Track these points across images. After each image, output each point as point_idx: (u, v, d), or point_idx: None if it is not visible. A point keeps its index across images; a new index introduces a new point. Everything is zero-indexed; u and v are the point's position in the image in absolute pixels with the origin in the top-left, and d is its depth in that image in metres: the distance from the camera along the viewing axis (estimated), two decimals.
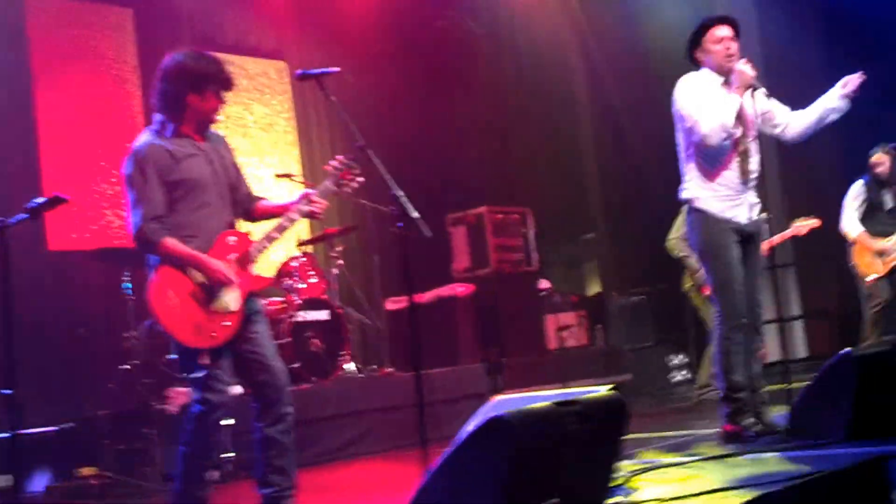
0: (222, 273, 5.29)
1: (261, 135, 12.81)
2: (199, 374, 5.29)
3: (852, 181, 10.57)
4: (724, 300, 6.75)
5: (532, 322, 12.28)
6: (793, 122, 6.95)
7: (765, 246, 7.08)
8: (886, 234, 10.19)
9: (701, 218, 6.78)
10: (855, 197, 10.34)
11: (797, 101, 7.01)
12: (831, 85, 6.91)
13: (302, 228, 12.24)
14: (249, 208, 5.74)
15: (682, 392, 11.90)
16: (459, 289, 11.62)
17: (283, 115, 13.12)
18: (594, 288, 16.04)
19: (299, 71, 5.75)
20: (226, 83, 5.47)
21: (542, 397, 4.66)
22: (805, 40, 13.54)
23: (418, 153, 13.68)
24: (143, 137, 5.43)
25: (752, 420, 6.68)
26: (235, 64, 12.48)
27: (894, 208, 10.32)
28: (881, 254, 10.15)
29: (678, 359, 13.22)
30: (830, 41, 13.44)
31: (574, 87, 15.53)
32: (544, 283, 12.73)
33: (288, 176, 10.59)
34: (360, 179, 5.76)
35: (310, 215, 5.63)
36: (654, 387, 12.74)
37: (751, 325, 6.82)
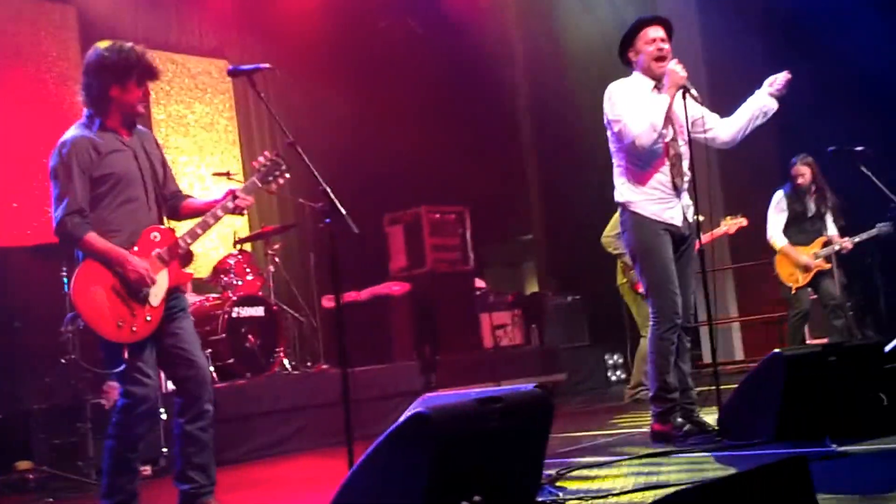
0: (140, 274, 5.30)
1: (202, 133, 12.85)
2: (122, 368, 5.32)
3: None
4: (659, 301, 6.72)
5: (467, 321, 12.37)
6: (722, 128, 6.97)
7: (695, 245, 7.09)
8: (809, 242, 10.40)
9: (634, 220, 6.77)
10: (777, 207, 10.49)
11: (739, 98, 6.98)
12: (772, 69, 6.93)
13: (241, 226, 12.32)
14: (177, 206, 5.75)
15: (616, 391, 12.04)
16: (395, 287, 11.72)
17: (225, 114, 13.16)
18: (532, 288, 16.21)
19: (231, 67, 5.75)
20: (147, 72, 5.46)
21: (468, 395, 4.70)
22: (746, 39, 13.68)
23: (358, 152, 13.80)
24: (71, 131, 5.44)
25: (681, 420, 6.72)
26: (177, 62, 12.60)
27: (816, 215, 10.50)
28: (804, 266, 10.35)
29: (614, 359, 13.43)
30: (771, 40, 13.61)
31: (515, 88, 15.67)
32: (480, 283, 12.86)
33: (226, 175, 10.66)
34: (287, 176, 5.80)
35: (235, 211, 5.66)
36: (589, 386, 12.94)
37: (681, 326, 6.82)
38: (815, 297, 10.57)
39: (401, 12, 14.74)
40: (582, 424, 8.59)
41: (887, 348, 6.21)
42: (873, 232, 10.49)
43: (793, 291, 10.49)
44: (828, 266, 10.46)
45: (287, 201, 12.28)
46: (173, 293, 5.51)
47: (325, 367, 10.30)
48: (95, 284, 5.27)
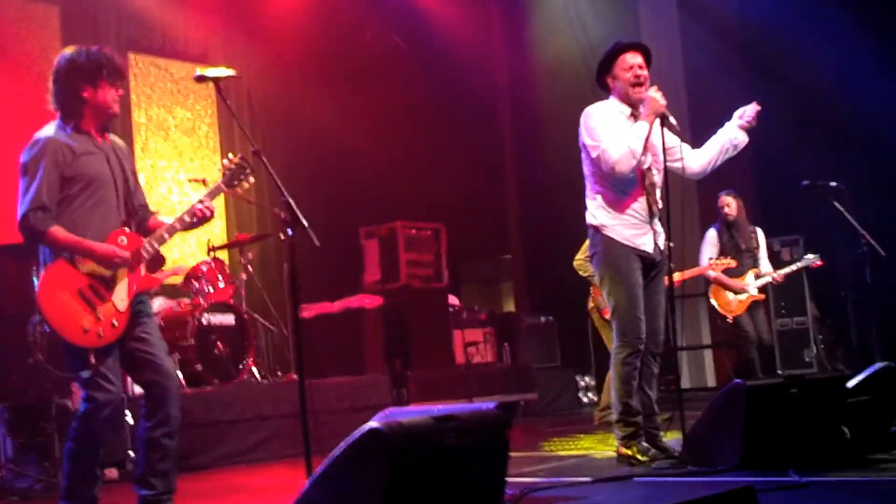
0: (111, 252, 5.32)
1: (182, 138, 12.85)
2: (86, 373, 5.31)
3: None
4: (623, 325, 6.75)
5: (440, 337, 12.39)
6: (693, 158, 6.98)
7: (676, 278, 7.09)
8: (741, 274, 10.52)
9: (605, 242, 6.78)
10: (709, 242, 10.62)
11: (720, 125, 7.01)
12: (750, 100, 6.95)
13: (218, 234, 12.33)
14: (144, 219, 5.73)
15: (586, 413, 12.07)
16: (368, 300, 11.75)
17: (206, 120, 13.17)
18: (509, 307, 16.25)
19: (197, 72, 5.71)
20: (117, 71, 5.51)
21: (429, 411, 4.70)
22: (727, 67, 13.82)
23: (338, 162, 13.89)
24: (47, 129, 5.46)
25: (645, 444, 6.72)
26: (161, 66, 12.61)
27: (747, 249, 10.59)
28: (737, 293, 10.46)
29: (585, 380, 13.47)
30: (751, 69, 13.74)
31: (497, 107, 15.69)
32: (454, 300, 12.89)
33: (202, 181, 10.63)
34: (251, 180, 5.81)
35: (201, 216, 5.64)
36: (559, 406, 12.96)
37: (650, 351, 6.84)
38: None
39: (386, 26, 14.78)
40: (549, 444, 8.61)
41: (849, 384, 6.23)
42: (801, 264, 10.76)
43: (729, 320, 10.59)
44: (760, 297, 10.61)
45: (265, 211, 12.29)
46: (139, 297, 5.50)
47: (294, 377, 10.28)
48: (62, 289, 5.27)
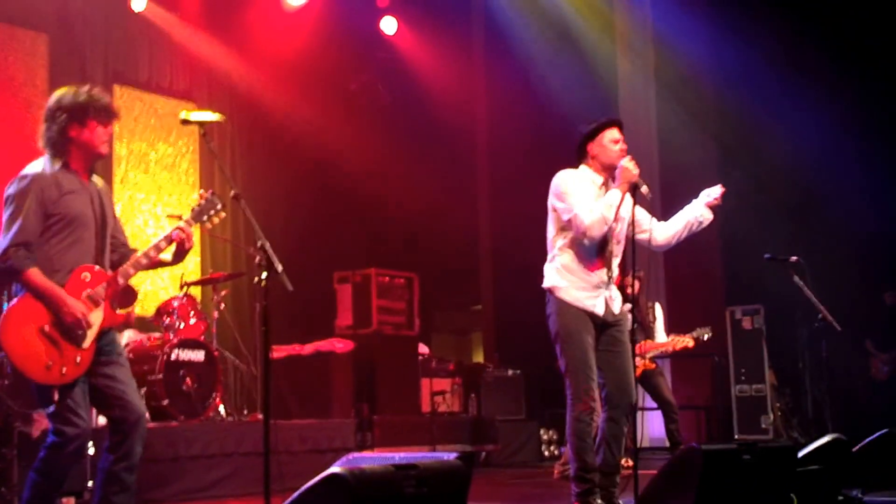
0: (77, 318, 5.34)
1: (162, 173, 12.92)
2: (52, 408, 5.33)
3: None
4: (575, 383, 6.81)
5: (408, 384, 12.48)
6: (659, 231, 7.11)
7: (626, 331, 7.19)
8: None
9: (558, 305, 6.87)
10: None
11: (692, 191, 7.12)
12: (720, 172, 7.09)
13: (192, 269, 12.40)
14: (124, 256, 5.77)
15: (548, 466, 12.14)
16: (339, 344, 11.81)
17: (187, 157, 13.23)
18: (478, 358, 16.34)
19: (182, 115, 5.82)
20: (104, 110, 5.56)
21: (391, 458, 4.82)
22: (699, 133, 14.08)
23: (317, 205, 13.96)
24: (36, 164, 5.50)
25: (600, 502, 6.76)
26: (145, 101, 12.71)
27: (644, 325, 10.84)
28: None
29: (549, 434, 13.56)
30: (722, 142, 14.01)
31: (475, 160, 15.87)
32: (424, 348, 12.99)
33: (178, 217, 10.67)
34: (222, 215, 5.89)
35: (178, 240, 5.73)
36: (521, 459, 13.05)
37: (620, 408, 6.88)
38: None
39: (372, 77, 14.94)
40: (507, 497, 8.70)
41: (800, 453, 6.36)
42: (692, 335, 10.86)
43: None
44: (653, 366, 10.88)
45: (240, 250, 12.38)
46: (106, 334, 5.54)
47: (259, 416, 10.32)
48: (26, 324, 5.29)
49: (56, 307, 5.32)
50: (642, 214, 7.08)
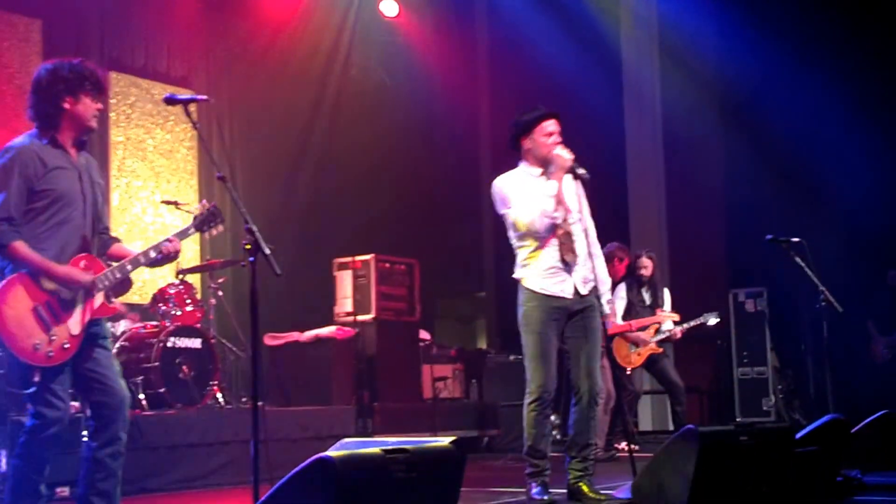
0: (71, 275, 5.31)
1: (160, 160, 12.87)
2: (33, 390, 5.29)
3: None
4: (534, 372, 6.98)
5: (409, 371, 12.44)
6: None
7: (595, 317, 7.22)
8: (646, 328, 10.82)
9: (525, 294, 7.03)
10: (616, 296, 10.90)
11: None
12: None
13: (191, 257, 12.36)
14: (106, 244, 5.73)
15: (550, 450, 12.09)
16: (339, 332, 11.76)
17: (185, 143, 13.19)
18: (481, 344, 16.31)
19: (167, 95, 5.70)
20: (98, 84, 5.53)
21: (385, 443, 4.75)
22: (702, 112, 13.99)
23: (315, 192, 13.90)
24: (21, 139, 5.45)
25: (544, 486, 6.95)
26: (142, 87, 12.66)
27: (652, 305, 11.02)
28: (636, 345, 10.67)
29: (550, 419, 13.49)
30: (726, 123, 13.91)
31: (478, 146, 15.81)
32: (425, 335, 12.94)
33: (174, 204, 10.65)
34: (221, 228, 5.85)
35: (166, 253, 5.64)
36: (523, 444, 12.98)
37: (587, 394, 6.98)
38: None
39: (373, 62, 14.88)
40: (507, 481, 8.65)
41: (798, 434, 6.32)
42: (700, 320, 11.01)
43: (628, 372, 10.93)
44: (659, 350, 10.96)
45: (238, 237, 12.31)
46: (96, 322, 5.49)
47: (259, 403, 10.25)
48: (18, 303, 5.23)
49: (49, 276, 5.27)
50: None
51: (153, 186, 12.68)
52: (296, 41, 13.78)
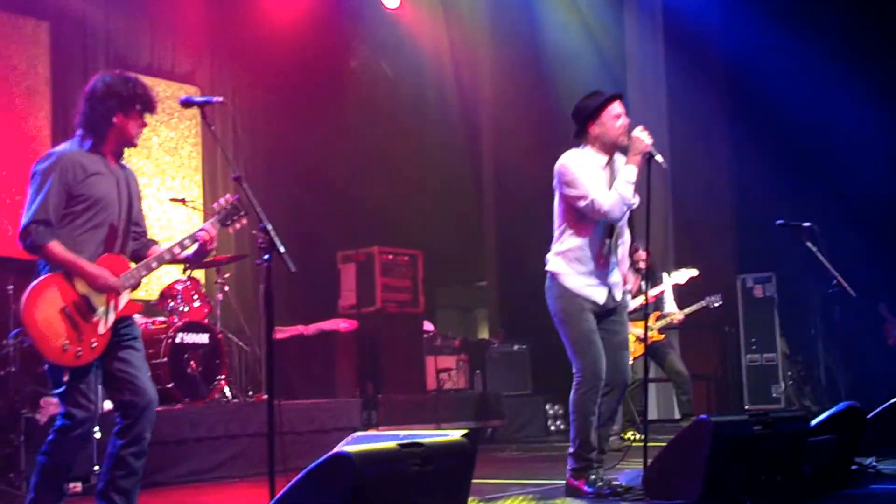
0: (103, 278, 5.36)
1: (165, 158, 12.89)
2: (63, 389, 5.34)
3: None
4: (582, 365, 6.78)
5: (413, 362, 12.46)
6: None
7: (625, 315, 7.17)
8: (644, 318, 10.76)
9: (559, 290, 6.83)
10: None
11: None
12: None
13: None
14: (143, 245, 5.78)
15: (553, 441, 12.13)
16: (343, 324, 11.78)
17: (190, 140, 13.20)
18: (483, 334, 16.30)
19: (183, 97, 5.76)
20: (149, 104, 5.59)
21: (396, 437, 4.79)
22: (710, 106, 13.96)
23: (319, 185, 13.91)
24: (65, 144, 5.54)
25: (593, 477, 6.75)
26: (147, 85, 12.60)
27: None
28: (637, 336, 10.64)
29: (554, 409, 13.52)
30: (732, 107, 13.89)
31: (479, 137, 15.78)
32: (429, 326, 12.95)
33: (182, 201, 10.66)
34: (244, 221, 5.85)
35: (202, 242, 5.68)
36: (527, 434, 13.02)
37: (616, 387, 6.89)
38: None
39: (374, 54, 14.87)
40: (513, 472, 8.66)
41: (812, 422, 6.31)
42: (702, 303, 10.98)
43: (630, 361, 10.82)
44: (661, 337, 10.96)
45: (243, 232, 12.29)
46: (124, 321, 5.54)
47: (265, 397, 10.29)
48: (47, 304, 5.28)
49: (81, 276, 5.33)
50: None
51: (158, 183, 12.70)
52: (298, 36, 13.74)
